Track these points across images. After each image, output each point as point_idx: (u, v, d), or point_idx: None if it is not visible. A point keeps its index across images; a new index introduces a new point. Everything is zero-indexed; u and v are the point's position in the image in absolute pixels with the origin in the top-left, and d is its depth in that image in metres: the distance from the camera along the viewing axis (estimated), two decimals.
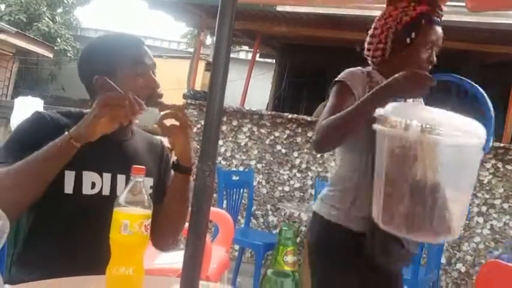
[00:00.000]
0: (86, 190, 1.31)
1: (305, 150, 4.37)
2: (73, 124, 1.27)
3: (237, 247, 3.93)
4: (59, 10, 15.87)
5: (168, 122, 1.33)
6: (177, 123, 1.31)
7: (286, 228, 0.78)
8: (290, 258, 0.77)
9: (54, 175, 1.21)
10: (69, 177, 1.28)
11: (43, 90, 13.30)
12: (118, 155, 1.37)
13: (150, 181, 1.42)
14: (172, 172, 1.48)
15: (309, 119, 4.40)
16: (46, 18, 14.50)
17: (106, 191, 1.33)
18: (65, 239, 1.28)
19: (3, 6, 14.70)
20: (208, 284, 1.24)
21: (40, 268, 1.27)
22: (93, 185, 1.32)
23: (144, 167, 1.16)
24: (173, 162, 1.42)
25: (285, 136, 4.42)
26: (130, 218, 1.10)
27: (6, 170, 1.18)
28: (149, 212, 1.14)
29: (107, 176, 1.34)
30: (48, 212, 1.29)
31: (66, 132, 1.19)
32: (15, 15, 14.04)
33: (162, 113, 1.34)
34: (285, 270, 0.77)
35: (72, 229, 1.28)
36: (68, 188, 1.28)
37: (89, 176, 1.32)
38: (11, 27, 12.34)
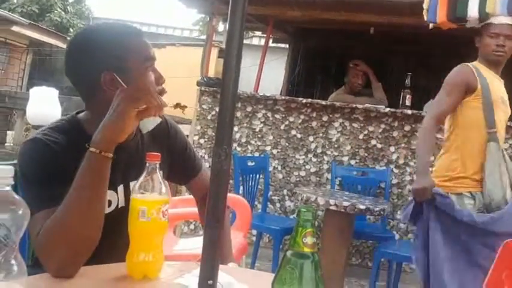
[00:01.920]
0: (105, 210, 1.23)
1: (320, 135, 4.35)
2: (68, 140, 1.21)
3: (254, 232, 3.95)
4: (71, 0, 15.92)
5: None
6: None
7: (304, 210, 0.78)
8: (309, 240, 0.77)
9: (105, 196, 1.15)
10: None
11: (57, 81, 13.40)
12: (126, 161, 1.29)
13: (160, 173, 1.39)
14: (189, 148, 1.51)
15: (323, 103, 4.36)
16: (58, 9, 14.57)
17: (122, 203, 1.29)
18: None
19: None
20: (227, 266, 1.25)
21: None
22: (110, 203, 1.27)
23: (158, 154, 1.16)
24: None
25: (299, 121, 4.40)
26: (148, 204, 1.11)
27: (58, 220, 1.08)
28: (166, 197, 1.14)
29: (121, 188, 1.29)
30: None
31: (92, 149, 1.10)
32: (28, 6, 14.13)
33: None
34: (305, 251, 0.77)
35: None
36: None
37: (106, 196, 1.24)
38: (23, 19, 12.42)
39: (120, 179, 1.27)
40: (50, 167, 1.15)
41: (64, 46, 13.78)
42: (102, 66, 1.24)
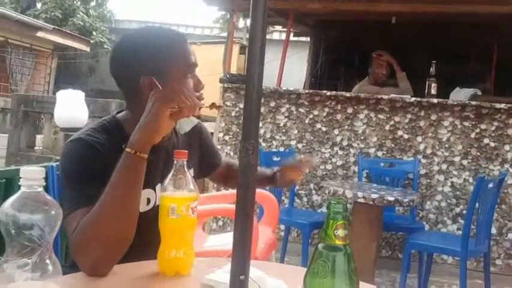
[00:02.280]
0: (143, 208, 1.27)
1: (346, 127, 4.31)
2: (110, 140, 1.23)
3: (282, 227, 3.94)
4: (92, 3, 16.11)
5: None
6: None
7: (334, 202, 0.77)
8: (341, 232, 0.76)
9: (139, 195, 1.16)
10: None
11: (83, 84, 13.61)
12: (164, 160, 1.31)
13: (191, 172, 1.36)
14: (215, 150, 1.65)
15: (348, 95, 4.32)
16: (80, 13, 14.76)
17: (158, 201, 1.26)
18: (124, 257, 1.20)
19: (39, 5, 15.05)
20: (258, 262, 1.25)
21: None
22: (148, 200, 1.30)
23: (186, 151, 1.17)
24: (268, 176, 1.69)
25: (324, 114, 4.36)
26: (177, 201, 1.12)
27: (92, 218, 1.10)
28: (195, 194, 1.15)
29: (158, 187, 1.31)
30: None
31: (128, 149, 1.12)
32: (51, 12, 14.35)
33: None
34: (336, 244, 0.76)
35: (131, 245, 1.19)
36: None
37: (144, 194, 1.27)
38: (48, 25, 12.64)
39: (159, 178, 1.28)
40: (91, 167, 1.17)
41: (88, 49, 14.02)
42: (142, 70, 1.27)
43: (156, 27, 1.42)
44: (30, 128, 7.94)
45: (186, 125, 1.28)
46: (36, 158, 7.30)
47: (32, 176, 0.70)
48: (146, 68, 1.26)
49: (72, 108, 4.09)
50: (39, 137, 8.27)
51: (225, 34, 9.28)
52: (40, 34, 12.29)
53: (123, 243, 1.13)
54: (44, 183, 0.72)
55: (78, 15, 14.66)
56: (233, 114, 4.59)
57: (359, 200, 2.98)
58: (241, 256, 0.79)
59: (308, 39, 7.10)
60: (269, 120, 4.48)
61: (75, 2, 14.99)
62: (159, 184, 1.30)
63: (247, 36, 0.79)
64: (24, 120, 7.82)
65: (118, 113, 1.37)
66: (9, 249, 0.68)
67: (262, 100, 4.43)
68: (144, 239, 1.18)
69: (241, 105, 4.41)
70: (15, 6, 14.83)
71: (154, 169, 1.28)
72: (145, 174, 1.21)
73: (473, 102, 4.04)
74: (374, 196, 2.96)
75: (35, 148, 8.07)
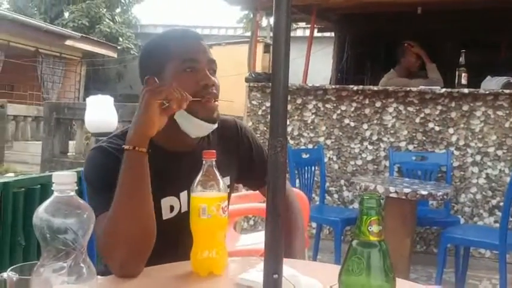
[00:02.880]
0: (166, 215, 1.29)
1: (375, 121, 4.25)
2: None
3: (314, 225, 3.92)
4: (118, 10, 16.39)
5: None
6: None
7: (367, 197, 0.75)
8: (375, 228, 0.74)
9: (148, 191, 1.15)
10: None
11: (112, 90, 13.85)
12: (191, 167, 1.21)
13: (227, 180, 1.35)
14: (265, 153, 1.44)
15: (375, 88, 4.27)
16: (106, 20, 15.04)
17: (184, 208, 1.30)
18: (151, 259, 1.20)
19: (67, 14, 15.38)
20: (291, 260, 1.24)
21: None
22: (172, 208, 1.30)
23: (213, 151, 1.16)
24: None
25: (352, 109, 4.32)
26: (207, 201, 1.12)
27: (109, 220, 1.12)
28: (225, 194, 1.15)
29: (184, 194, 1.30)
30: None
31: (126, 146, 1.14)
32: (78, 20, 14.66)
33: None
34: (371, 240, 0.74)
35: (157, 248, 1.19)
36: None
37: (167, 202, 1.29)
38: (75, 33, 12.92)
39: (185, 185, 1.25)
40: (111, 173, 1.17)
41: (115, 55, 14.25)
42: (147, 71, 1.30)
43: (174, 28, 1.42)
44: (62, 134, 8.12)
45: (191, 127, 1.29)
46: (70, 163, 7.47)
47: (64, 181, 0.71)
48: (149, 68, 1.30)
49: (101, 113, 4.15)
50: (71, 143, 8.46)
51: (248, 34, 9.29)
52: (69, 42, 12.58)
53: (144, 240, 1.14)
54: (76, 188, 0.72)
55: (105, 22, 14.93)
56: (260, 113, 4.58)
57: (391, 195, 2.93)
58: (273, 255, 0.78)
59: (332, 34, 7.04)
60: (296, 117, 4.46)
61: (101, 10, 15.27)
62: (185, 191, 1.29)
63: (271, 34, 0.79)
64: (57, 127, 8.01)
65: None
66: (45, 254, 0.69)
67: (289, 97, 4.41)
68: (170, 245, 1.19)
69: (268, 104, 4.41)
70: (44, 16, 15.20)
71: (179, 176, 1.28)
72: (166, 182, 1.24)
73: (507, 91, 3.92)
74: (406, 190, 2.91)
75: (68, 154, 8.25)
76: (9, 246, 2.12)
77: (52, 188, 0.71)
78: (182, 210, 1.30)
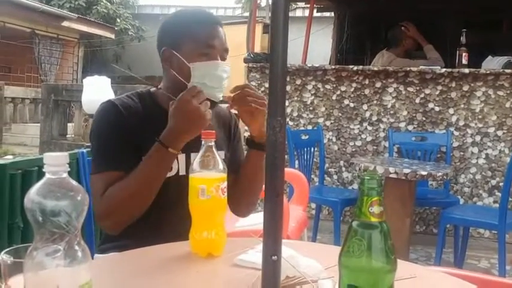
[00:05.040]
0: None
1: (374, 102, 4.22)
2: (144, 108, 1.33)
3: (313, 205, 3.92)
4: None
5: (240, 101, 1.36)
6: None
7: (368, 177, 0.73)
8: (376, 209, 0.72)
9: (162, 182, 1.28)
10: None
11: (110, 71, 13.76)
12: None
13: (221, 154, 1.38)
14: (244, 145, 1.52)
15: (375, 69, 4.22)
16: (104, 0, 14.82)
17: (182, 171, 1.35)
18: (147, 218, 1.29)
19: None
20: (290, 241, 1.23)
21: (124, 239, 1.30)
22: (171, 168, 1.33)
23: (213, 131, 1.15)
24: (247, 138, 1.43)
25: (352, 89, 4.28)
26: (207, 182, 1.10)
27: (122, 191, 1.24)
28: (224, 175, 1.13)
29: (182, 157, 1.34)
30: None
31: (161, 140, 1.23)
32: (75, 1, 14.46)
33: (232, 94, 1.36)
34: (372, 221, 0.72)
35: (153, 208, 1.29)
36: None
37: None
38: (72, 14, 12.77)
39: (184, 147, 1.30)
40: (119, 129, 1.27)
41: (113, 36, 14.11)
42: (162, 43, 1.39)
43: (196, 9, 1.50)
44: (61, 116, 8.09)
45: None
46: (68, 145, 7.46)
47: (56, 162, 0.69)
48: (164, 41, 1.38)
49: (98, 94, 4.11)
50: (70, 125, 8.42)
51: (247, 14, 9.20)
52: (65, 24, 12.44)
53: (141, 211, 1.27)
54: (69, 169, 0.70)
55: (102, 3, 14.73)
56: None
57: (391, 176, 2.92)
58: (272, 236, 0.77)
59: (332, 14, 6.96)
60: (295, 98, 4.43)
61: None
62: (184, 155, 1.35)
63: (270, 15, 0.76)
64: (55, 109, 7.97)
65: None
66: (38, 237, 0.67)
67: (288, 78, 4.37)
68: (170, 210, 1.30)
69: (267, 85, 4.33)
70: None
71: None
72: None
73: (508, 71, 3.89)
74: (406, 171, 2.89)
75: (67, 136, 8.23)
76: (7, 229, 2.11)
77: (43, 170, 0.69)
78: (180, 173, 1.35)
